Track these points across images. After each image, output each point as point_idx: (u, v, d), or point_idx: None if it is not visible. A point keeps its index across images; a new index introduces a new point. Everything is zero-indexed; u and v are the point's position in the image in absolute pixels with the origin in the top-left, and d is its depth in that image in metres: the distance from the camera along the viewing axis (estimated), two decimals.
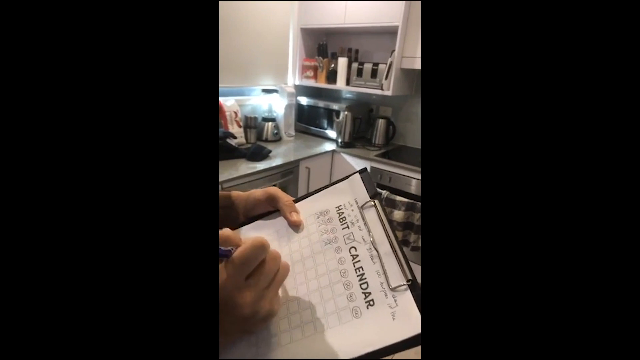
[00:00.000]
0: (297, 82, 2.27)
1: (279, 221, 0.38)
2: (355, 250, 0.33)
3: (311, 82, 2.20)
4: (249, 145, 1.82)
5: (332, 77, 2.10)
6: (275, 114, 2.11)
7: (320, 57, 2.12)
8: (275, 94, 2.13)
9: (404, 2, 1.69)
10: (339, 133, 2.03)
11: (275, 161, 1.68)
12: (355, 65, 1.99)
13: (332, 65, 2.09)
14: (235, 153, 1.69)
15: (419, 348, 0.31)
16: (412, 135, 2.19)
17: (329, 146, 2.01)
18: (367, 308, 0.29)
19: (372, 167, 1.86)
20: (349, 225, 0.35)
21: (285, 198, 0.38)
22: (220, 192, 0.43)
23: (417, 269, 1.32)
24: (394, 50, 1.79)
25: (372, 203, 0.35)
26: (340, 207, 0.37)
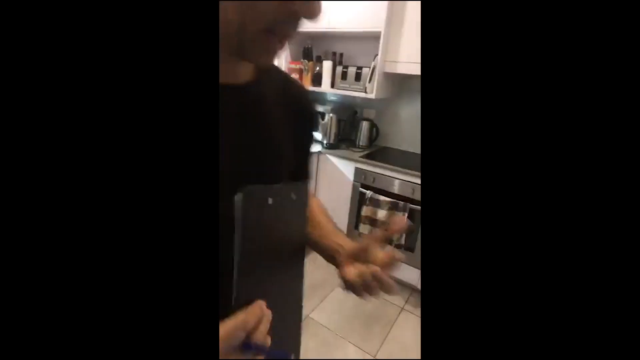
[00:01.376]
0: None
1: None
2: None
3: None
4: None
5: (317, 80, 2.09)
6: None
7: (306, 60, 2.11)
8: None
9: (386, 8, 1.69)
10: (324, 135, 2.02)
11: None
12: (339, 68, 1.98)
13: (317, 69, 2.08)
14: None
15: (418, 348, 0.31)
16: (395, 137, 2.20)
17: (314, 147, 1.99)
18: None
19: (356, 168, 1.86)
20: None
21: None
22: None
23: (405, 268, 1.30)
24: (377, 55, 1.80)
25: None
26: None
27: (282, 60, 2.19)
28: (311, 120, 0.52)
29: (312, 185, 2.02)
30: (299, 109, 0.48)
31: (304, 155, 0.53)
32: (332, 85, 2.04)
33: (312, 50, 2.15)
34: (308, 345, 1.43)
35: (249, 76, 0.42)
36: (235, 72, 0.40)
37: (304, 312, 1.59)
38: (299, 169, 0.50)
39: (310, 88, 2.13)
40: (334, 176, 1.97)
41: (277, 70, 0.49)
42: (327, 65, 2.01)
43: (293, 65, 2.17)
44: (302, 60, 2.13)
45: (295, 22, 0.35)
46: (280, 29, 0.34)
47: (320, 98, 2.40)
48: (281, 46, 0.36)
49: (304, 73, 2.13)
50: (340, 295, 1.77)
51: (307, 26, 1.53)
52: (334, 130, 2.00)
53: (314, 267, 2.01)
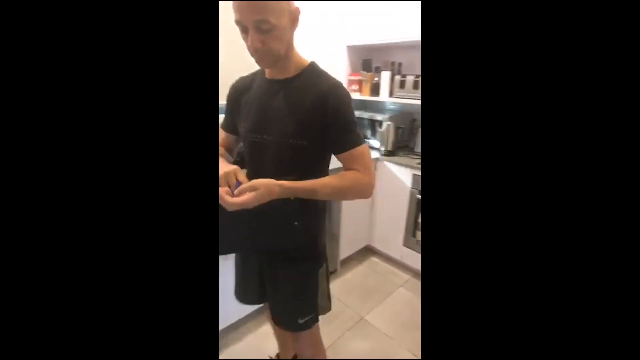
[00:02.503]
0: None
1: None
2: None
3: (356, 95, 2.21)
4: None
5: (375, 89, 2.09)
6: None
7: (364, 72, 2.12)
8: None
9: None
10: (381, 142, 2.00)
11: None
12: (397, 77, 1.95)
13: (376, 79, 2.07)
14: None
15: (418, 348, 0.32)
16: None
17: (372, 154, 1.99)
18: None
19: (414, 175, 1.81)
20: None
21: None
22: None
23: None
24: None
25: None
26: None
27: (343, 72, 2.23)
28: (334, 108, 0.69)
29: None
30: (326, 101, 0.68)
31: (330, 130, 0.70)
32: (391, 94, 2.02)
33: (371, 62, 2.15)
34: (361, 346, 1.42)
35: (289, 74, 0.72)
36: (280, 72, 0.72)
37: (361, 313, 1.59)
38: (338, 136, 0.71)
39: (369, 98, 2.13)
40: (391, 183, 1.94)
41: (317, 73, 0.73)
42: (385, 75, 2.00)
43: (353, 77, 2.20)
44: (361, 71, 2.15)
45: (244, 31, 0.64)
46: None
47: (379, 107, 2.39)
48: (254, 53, 0.66)
49: (363, 84, 2.14)
50: (397, 300, 1.73)
51: (367, 39, 1.56)
52: (391, 137, 1.97)
53: (371, 271, 1.99)
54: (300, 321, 0.84)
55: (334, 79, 0.72)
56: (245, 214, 0.63)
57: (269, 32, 0.62)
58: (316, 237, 0.82)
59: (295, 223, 0.72)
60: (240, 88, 0.81)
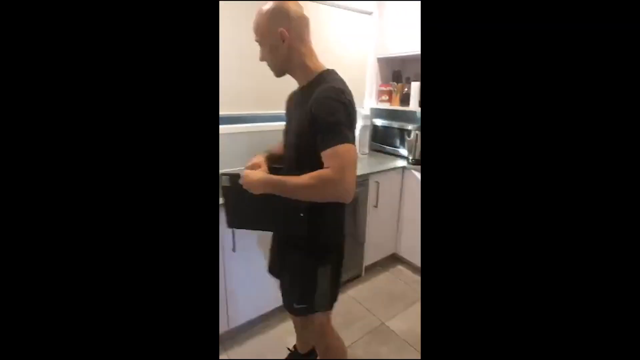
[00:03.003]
0: (374, 106, 2.33)
1: None
2: None
3: (386, 105, 2.24)
4: None
5: (405, 100, 2.10)
6: None
7: (395, 83, 2.14)
8: None
9: None
10: (409, 151, 2.00)
11: None
12: None
13: (406, 89, 2.08)
14: None
15: (418, 348, 0.31)
16: None
17: (400, 163, 1.99)
18: None
19: None
20: None
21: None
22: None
23: None
24: None
25: None
26: None
27: (373, 84, 2.27)
28: (315, 110, 0.75)
29: (396, 199, 2.01)
30: (314, 104, 0.75)
31: (316, 130, 0.75)
32: (420, 105, 2.02)
33: (401, 73, 2.17)
34: (381, 350, 1.42)
35: (303, 83, 0.87)
36: (298, 82, 0.88)
37: (382, 319, 1.59)
38: (319, 137, 0.75)
39: (399, 107, 2.15)
40: (418, 192, 1.92)
41: (321, 81, 0.81)
42: (415, 85, 2.01)
43: (383, 88, 2.24)
44: (391, 82, 2.18)
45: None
46: None
47: (409, 117, 2.38)
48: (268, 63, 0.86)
49: (393, 94, 2.16)
50: (420, 309, 1.69)
51: (396, 51, 1.62)
52: (419, 147, 1.96)
53: (397, 279, 1.97)
54: (296, 306, 0.91)
55: (331, 85, 0.77)
56: (260, 197, 0.77)
57: (263, 47, 0.82)
58: (321, 235, 0.85)
59: (301, 214, 0.80)
60: (291, 96, 0.98)
